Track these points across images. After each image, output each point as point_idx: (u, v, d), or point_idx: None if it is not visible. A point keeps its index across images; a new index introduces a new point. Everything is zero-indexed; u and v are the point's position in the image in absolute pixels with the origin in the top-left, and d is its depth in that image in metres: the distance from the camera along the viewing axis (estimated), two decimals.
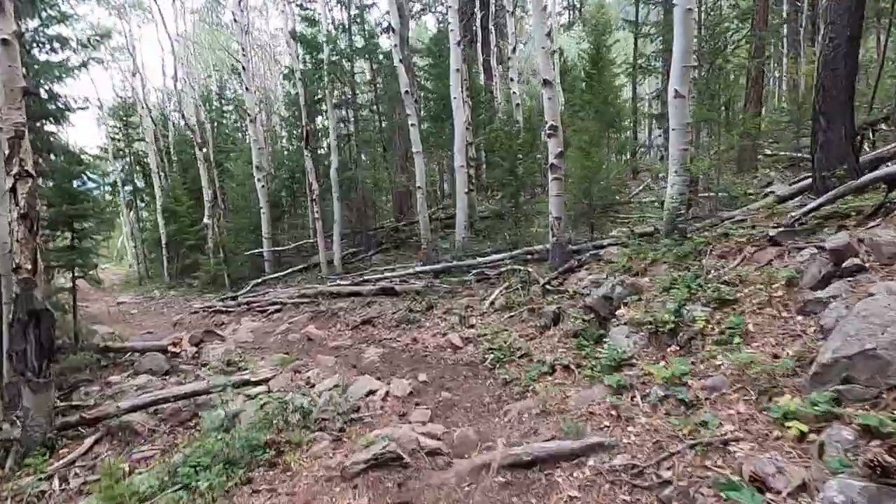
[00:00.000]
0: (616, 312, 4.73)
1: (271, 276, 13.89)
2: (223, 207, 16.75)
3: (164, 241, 19.23)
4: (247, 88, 13.43)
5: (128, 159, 24.81)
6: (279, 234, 14.58)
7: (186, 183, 20.61)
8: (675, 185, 6.23)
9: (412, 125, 9.94)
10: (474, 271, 8.80)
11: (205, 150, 15.46)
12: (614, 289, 4.84)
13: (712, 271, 4.48)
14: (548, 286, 7.04)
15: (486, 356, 5.80)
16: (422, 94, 16.71)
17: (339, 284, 10.75)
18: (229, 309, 11.90)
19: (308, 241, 14.45)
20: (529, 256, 8.85)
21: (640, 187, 14.04)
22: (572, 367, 4.62)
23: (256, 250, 14.17)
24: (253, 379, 5.61)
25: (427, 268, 9.85)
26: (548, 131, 7.76)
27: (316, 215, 12.07)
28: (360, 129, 14.17)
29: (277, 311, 10.36)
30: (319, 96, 12.42)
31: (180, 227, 19.49)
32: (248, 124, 13.58)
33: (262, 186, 13.89)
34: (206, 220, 17.49)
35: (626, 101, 17.12)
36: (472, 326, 7.07)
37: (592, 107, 14.66)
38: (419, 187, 10.02)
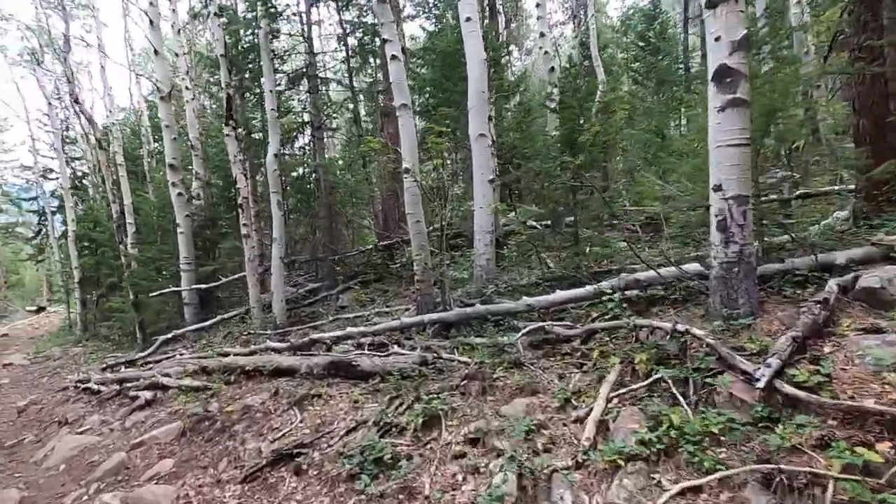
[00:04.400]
0: None
1: (192, 327, 9.15)
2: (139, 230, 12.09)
3: (77, 279, 14.51)
4: (156, 51, 9.12)
5: (61, 181, 20.34)
6: (209, 263, 9.96)
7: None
8: None
9: (392, 57, 5.47)
10: (527, 328, 4.11)
11: (111, 148, 10.92)
12: None
13: None
14: (784, 386, 2.34)
15: None
16: (414, 85, 12.37)
17: (267, 350, 6.03)
18: (101, 388, 7.13)
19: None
20: (638, 293, 4.21)
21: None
22: None
23: (168, 289, 9.45)
24: None
25: (425, 318, 5.17)
26: None
27: (244, 231, 7.45)
28: (325, 106, 9.72)
29: (149, 402, 5.59)
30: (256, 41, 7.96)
31: (101, 259, 14.83)
32: (159, 103, 9.22)
33: (180, 194, 9.32)
34: (130, 248, 12.83)
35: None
36: None
37: (654, 75, 10.35)
38: (407, 170, 5.45)
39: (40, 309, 29.89)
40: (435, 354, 4.29)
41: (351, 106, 10.33)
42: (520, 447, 2.80)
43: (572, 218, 6.28)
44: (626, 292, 4.27)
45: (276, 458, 3.47)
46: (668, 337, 3.04)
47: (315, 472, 3.29)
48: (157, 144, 18.12)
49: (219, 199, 11.30)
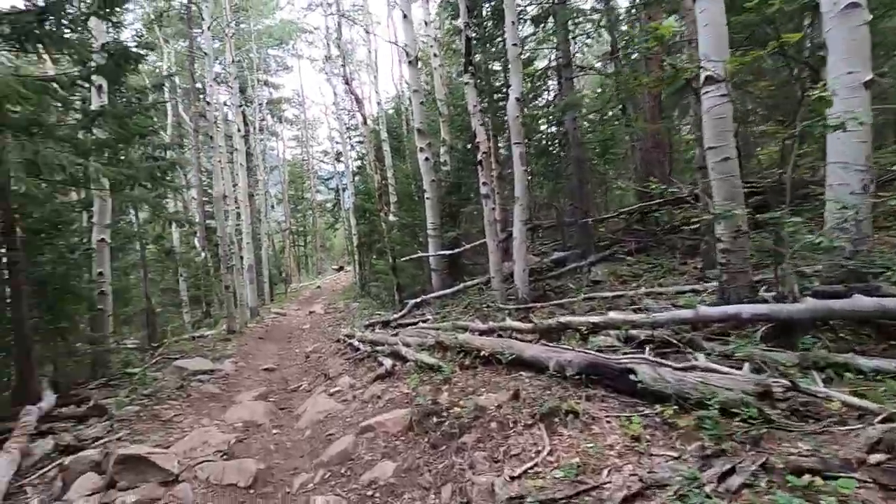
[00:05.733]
0: None
1: (437, 293, 9.08)
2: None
3: (355, 244, 16.87)
4: (404, 15, 9.07)
5: (350, 163, 24.32)
6: (453, 229, 9.75)
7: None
8: None
9: None
10: None
11: (369, 120, 11.81)
12: None
13: None
14: None
15: None
16: None
17: (506, 329, 5.02)
18: (360, 346, 7.49)
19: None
20: None
21: None
22: None
23: (416, 255, 9.59)
24: None
25: (744, 310, 3.21)
26: None
27: (484, 191, 6.61)
28: (576, 25, 7.98)
29: (389, 372, 5.25)
30: None
31: (373, 227, 16.85)
32: (407, 68, 9.22)
33: (427, 159, 9.23)
34: (391, 216, 14.06)
35: None
36: None
37: None
38: (709, 78, 3.38)
39: (340, 268, 37.54)
40: (788, 382, 2.38)
41: (607, 28, 8.37)
42: None
43: None
44: None
45: None
46: None
47: None
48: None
49: (461, 164, 11.04)
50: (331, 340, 10.00)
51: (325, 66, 19.04)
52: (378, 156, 12.50)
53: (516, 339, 4.84)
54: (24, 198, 6.28)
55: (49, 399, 5.37)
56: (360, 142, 24.36)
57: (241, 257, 14.75)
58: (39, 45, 5.88)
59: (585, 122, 10.52)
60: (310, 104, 41.63)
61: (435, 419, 3.49)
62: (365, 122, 11.49)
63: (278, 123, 34.62)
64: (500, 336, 5.05)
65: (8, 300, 6.03)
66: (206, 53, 12.38)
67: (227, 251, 12.48)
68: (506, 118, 10.60)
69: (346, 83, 11.81)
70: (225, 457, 3.65)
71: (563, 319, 4.43)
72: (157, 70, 18.39)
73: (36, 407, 4.80)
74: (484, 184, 6.59)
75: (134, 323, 12.81)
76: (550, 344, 4.04)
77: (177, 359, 8.93)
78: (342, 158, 23.80)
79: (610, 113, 9.93)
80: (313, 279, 34.91)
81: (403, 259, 9.76)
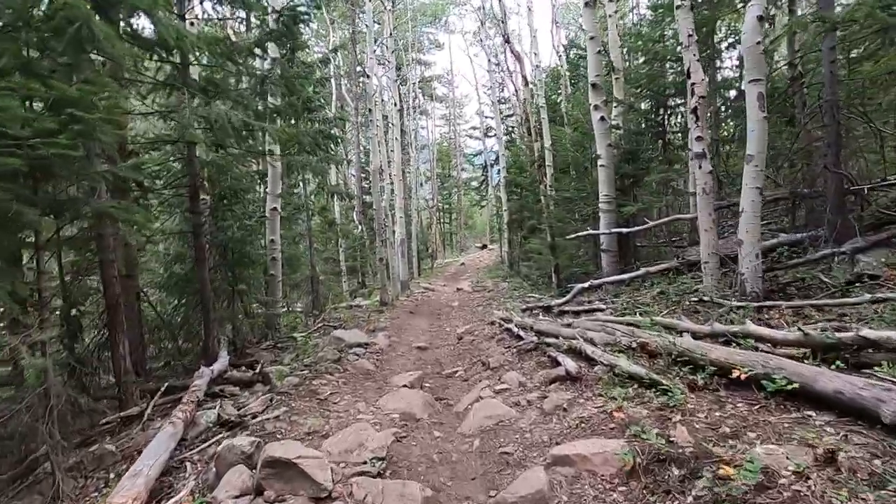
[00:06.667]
0: None
1: (612, 278, 7.68)
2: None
3: (505, 221, 15.98)
4: None
5: (497, 135, 23.43)
6: (629, 203, 8.10)
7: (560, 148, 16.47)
8: None
9: None
10: None
11: (529, 81, 10.49)
12: None
13: None
14: None
15: None
16: None
17: (743, 336, 3.53)
18: (520, 333, 6.56)
19: (684, 216, 7.35)
20: None
21: None
22: None
23: (584, 232, 8.18)
24: None
25: None
26: None
27: (697, 149, 5.00)
28: None
29: (571, 377, 4.14)
30: None
31: (524, 203, 15.79)
32: (584, 10, 7.72)
33: (602, 119, 7.73)
34: (548, 189, 12.80)
35: None
36: None
37: None
38: None
39: (484, 246, 37.35)
40: None
41: None
42: None
43: None
44: None
45: None
46: None
47: None
48: (572, 88, 17.80)
49: (639, 128, 9.23)
50: (482, 322, 9.26)
51: (479, 31, 18.18)
52: (535, 124, 11.27)
53: (762, 350, 3.37)
54: (210, 166, 6.57)
55: (223, 361, 5.45)
56: (511, 115, 23.31)
57: (394, 231, 14.91)
58: (228, 7, 5.97)
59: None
60: (459, 80, 41.65)
61: (676, 470, 2.31)
62: (526, 84, 10.34)
63: (429, 102, 35.21)
64: (734, 344, 3.60)
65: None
66: (366, 26, 12.36)
67: (382, 224, 12.58)
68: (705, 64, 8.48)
69: (506, 41, 10.78)
70: (383, 465, 2.97)
71: (869, 334, 2.83)
72: (324, 54, 19.55)
73: (209, 369, 4.81)
74: (698, 139, 4.97)
75: (300, 288, 13.76)
76: (868, 374, 2.53)
77: (336, 327, 9.07)
78: (492, 132, 23.02)
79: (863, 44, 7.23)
80: (457, 256, 35.29)
81: (569, 237, 8.47)
